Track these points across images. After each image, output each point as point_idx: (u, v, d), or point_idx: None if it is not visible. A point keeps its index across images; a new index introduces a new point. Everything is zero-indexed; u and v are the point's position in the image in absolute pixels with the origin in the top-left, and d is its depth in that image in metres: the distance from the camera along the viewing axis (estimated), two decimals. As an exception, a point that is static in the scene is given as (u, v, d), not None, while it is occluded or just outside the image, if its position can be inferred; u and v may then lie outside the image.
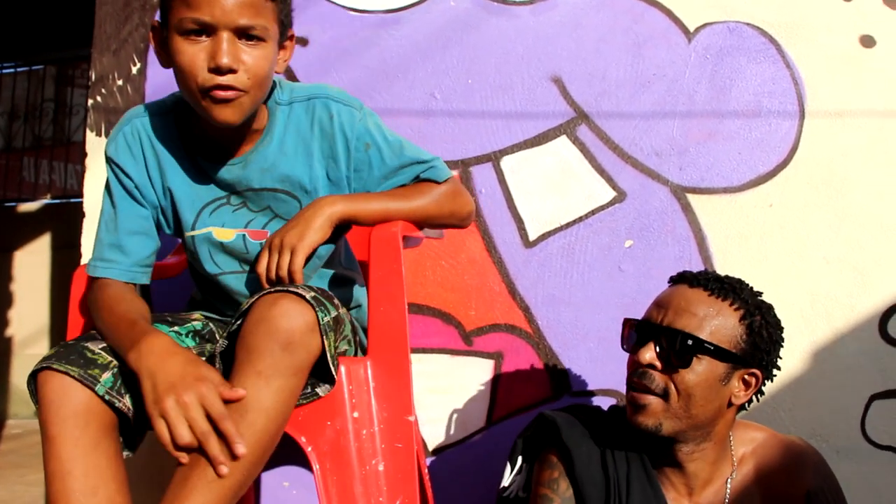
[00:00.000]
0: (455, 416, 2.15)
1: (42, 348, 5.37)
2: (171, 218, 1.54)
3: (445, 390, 2.14)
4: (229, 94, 1.32)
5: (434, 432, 2.15)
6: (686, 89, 2.12)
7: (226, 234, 1.50)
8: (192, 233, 1.51)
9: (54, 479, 1.23)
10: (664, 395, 1.43)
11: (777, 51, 2.11)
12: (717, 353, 1.42)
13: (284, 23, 1.41)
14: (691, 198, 2.10)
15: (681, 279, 1.53)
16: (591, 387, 2.10)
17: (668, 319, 1.45)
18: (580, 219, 2.14)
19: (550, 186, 2.15)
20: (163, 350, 1.26)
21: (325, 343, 1.27)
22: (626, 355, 2.05)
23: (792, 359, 2.02)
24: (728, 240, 2.08)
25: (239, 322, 1.28)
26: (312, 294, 1.28)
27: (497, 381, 2.14)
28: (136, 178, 1.49)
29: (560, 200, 2.15)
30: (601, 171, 2.14)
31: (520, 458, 1.62)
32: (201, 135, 1.48)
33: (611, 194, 2.13)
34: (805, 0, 2.11)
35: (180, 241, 1.84)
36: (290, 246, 1.37)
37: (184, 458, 1.18)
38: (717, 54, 2.12)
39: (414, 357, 1.45)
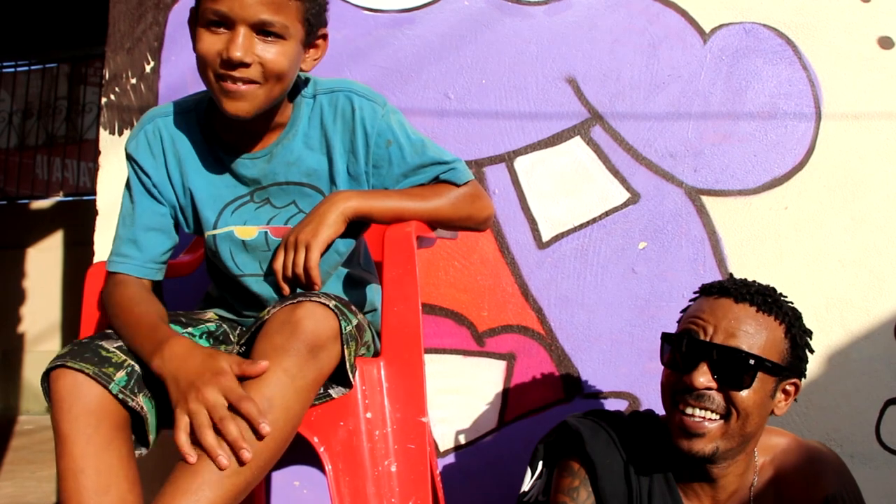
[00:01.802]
0: (467, 416, 2.14)
1: (54, 345, 5.40)
2: (192, 217, 1.54)
3: (457, 391, 2.14)
4: (238, 87, 1.34)
5: (445, 433, 2.14)
6: (701, 90, 2.11)
7: (248, 232, 1.50)
8: (214, 232, 1.51)
9: (67, 477, 1.23)
10: (724, 417, 1.39)
11: (793, 52, 2.09)
12: (773, 369, 1.40)
13: (312, 22, 1.41)
14: (706, 200, 2.09)
15: (724, 292, 1.46)
16: (603, 389, 2.09)
17: (721, 338, 1.39)
18: (594, 220, 2.13)
19: (564, 187, 2.15)
20: (184, 352, 1.26)
21: (346, 352, 1.28)
22: (638, 357, 2.06)
23: (806, 363, 2.00)
24: (743, 242, 2.07)
25: (253, 330, 1.28)
26: (334, 303, 1.28)
27: (509, 383, 2.13)
28: (155, 176, 1.50)
29: (574, 201, 2.14)
30: (615, 173, 2.13)
31: (540, 464, 1.59)
32: (225, 130, 1.49)
33: (625, 196, 2.12)
34: (822, 1, 2.09)
35: (193, 238, 1.85)
36: (304, 243, 1.36)
37: (192, 457, 1.17)
38: (733, 55, 2.11)
39: (426, 357, 1.45)
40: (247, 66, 1.32)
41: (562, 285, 2.12)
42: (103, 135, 2.43)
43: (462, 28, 2.22)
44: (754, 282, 1.49)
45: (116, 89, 2.44)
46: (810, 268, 2.04)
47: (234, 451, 1.16)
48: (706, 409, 1.38)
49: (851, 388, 2.01)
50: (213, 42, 1.33)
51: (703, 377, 1.37)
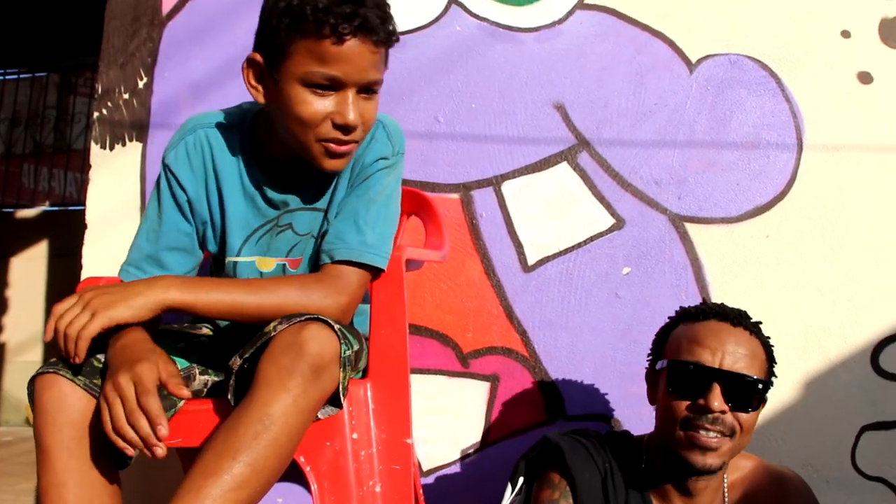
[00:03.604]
0: (450, 437, 2.16)
1: (35, 356, 5.37)
2: (219, 238, 1.50)
3: (441, 411, 2.15)
4: (347, 147, 1.35)
5: (429, 452, 2.16)
6: (686, 120, 2.15)
7: (267, 265, 1.49)
8: (236, 258, 1.49)
9: (48, 490, 1.24)
10: (731, 435, 1.47)
11: (777, 84, 2.14)
12: (767, 389, 1.50)
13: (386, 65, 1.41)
14: (689, 227, 2.13)
15: (721, 317, 1.53)
16: (585, 411, 2.11)
17: (729, 363, 1.46)
18: (579, 245, 2.16)
19: (550, 212, 2.18)
20: (130, 343, 1.26)
21: (341, 375, 1.29)
22: (621, 380, 2.09)
23: (785, 389, 2.04)
24: (725, 269, 2.10)
25: (258, 346, 1.28)
26: (339, 326, 1.28)
27: (492, 404, 2.15)
28: (192, 192, 1.47)
29: (559, 226, 2.17)
30: (601, 199, 2.16)
31: (521, 479, 1.63)
32: (269, 155, 1.46)
33: (610, 221, 2.15)
34: (805, 35, 2.14)
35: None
36: (92, 309, 1.25)
37: (129, 450, 1.17)
38: (718, 86, 2.15)
39: (411, 377, 1.47)
40: (356, 128, 1.33)
41: (546, 308, 2.15)
42: (94, 149, 2.45)
43: (453, 53, 2.25)
44: (740, 310, 1.57)
45: (109, 104, 2.46)
46: (790, 295, 2.08)
47: (147, 446, 1.16)
48: (719, 432, 1.45)
49: (829, 414, 2.04)
50: (321, 104, 1.31)
51: (717, 401, 1.44)
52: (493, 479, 2.10)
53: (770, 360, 1.54)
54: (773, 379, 1.56)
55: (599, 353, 2.11)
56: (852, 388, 2.04)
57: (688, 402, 1.47)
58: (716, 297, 2.08)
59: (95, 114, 2.47)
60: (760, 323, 1.57)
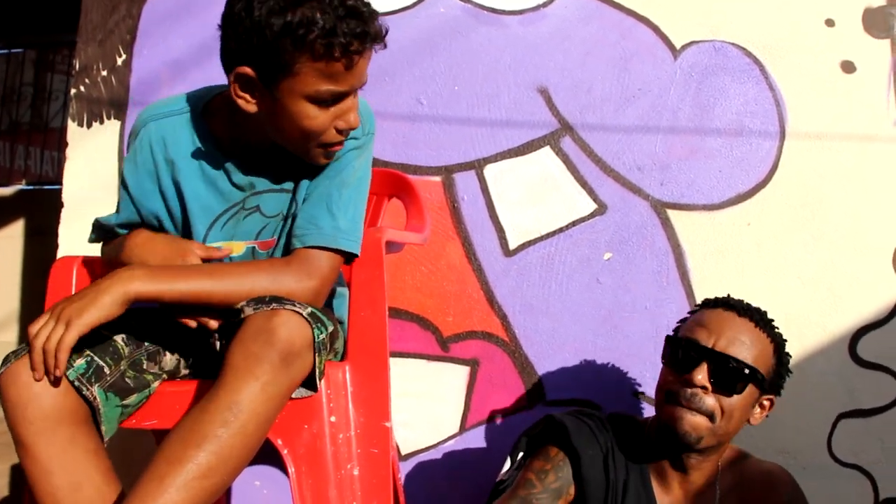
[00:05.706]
0: (429, 421, 2.15)
1: (11, 335, 5.30)
2: (181, 225, 1.48)
3: (420, 395, 2.15)
4: (343, 145, 1.38)
5: (407, 436, 2.15)
6: (670, 106, 2.15)
7: (236, 248, 1.47)
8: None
9: (37, 480, 1.22)
10: (710, 416, 1.52)
11: (760, 72, 2.14)
12: (762, 382, 1.54)
13: None
14: (671, 213, 2.13)
15: (728, 306, 1.61)
16: (565, 396, 2.11)
17: (722, 345, 1.53)
18: (560, 230, 2.15)
19: (532, 196, 2.17)
20: (146, 238, 1.33)
21: (316, 359, 1.27)
22: (601, 365, 2.09)
23: (763, 376, 2.05)
24: (706, 256, 2.11)
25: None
26: (309, 310, 1.27)
27: (472, 388, 2.15)
28: (134, 188, 1.46)
29: (541, 210, 2.16)
30: (583, 184, 2.16)
31: (520, 455, 1.68)
32: (233, 139, 1.43)
33: (592, 206, 2.15)
34: (789, 23, 2.14)
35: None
36: (66, 319, 1.23)
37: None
38: (702, 72, 2.15)
39: (390, 361, 1.46)
40: None
41: (527, 293, 2.14)
42: (71, 126, 2.41)
43: (436, 34, 2.23)
44: (754, 306, 1.63)
45: (86, 81, 2.42)
46: (770, 283, 2.09)
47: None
48: (696, 410, 1.51)
49: (806, 401, 2.05)
50: (327, 116, 1.31)
51: (700, 375, 1.51)
52: (472, 463, 2.11)
53: (779, 361, 1.59)
54: (779, 382, 1.62)
55: (580, 338, 2.11)
56: (830, 376, 2.05)
57: (676, 376, 1.55)
58: (696, 284, 2.09)
59: (73, 91, 2.43)
60: (773, 321, 1.62)
